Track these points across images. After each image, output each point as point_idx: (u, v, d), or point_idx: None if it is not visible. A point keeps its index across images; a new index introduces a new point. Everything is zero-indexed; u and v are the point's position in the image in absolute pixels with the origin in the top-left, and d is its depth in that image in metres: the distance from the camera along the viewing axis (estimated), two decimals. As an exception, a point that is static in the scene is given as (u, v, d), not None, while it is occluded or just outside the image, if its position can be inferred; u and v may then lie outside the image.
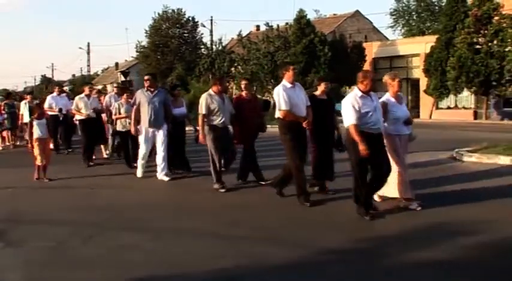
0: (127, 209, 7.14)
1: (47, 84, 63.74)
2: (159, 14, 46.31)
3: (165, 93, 9.65)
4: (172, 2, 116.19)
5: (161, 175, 9.16)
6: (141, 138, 9.31)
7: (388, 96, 6.60)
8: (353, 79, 31.66)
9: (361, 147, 5.91)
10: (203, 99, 8.13)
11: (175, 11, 46.48)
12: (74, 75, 77.37)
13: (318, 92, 7.61)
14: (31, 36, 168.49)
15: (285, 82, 7.10)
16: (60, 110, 13.78)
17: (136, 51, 48.25)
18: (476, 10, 24.68)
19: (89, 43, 60.98)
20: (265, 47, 33.17)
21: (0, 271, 4.83)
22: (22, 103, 15.62)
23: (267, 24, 35.18)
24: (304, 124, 7.01)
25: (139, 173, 9.46)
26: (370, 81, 6.21)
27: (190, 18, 46.59)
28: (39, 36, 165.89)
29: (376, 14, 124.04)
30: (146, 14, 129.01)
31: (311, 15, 37.78)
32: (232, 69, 36.01)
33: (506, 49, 23.90)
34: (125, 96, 10.84)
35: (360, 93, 6.19)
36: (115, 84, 12.09)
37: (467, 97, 28.82)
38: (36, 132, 9.56)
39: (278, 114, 7.09)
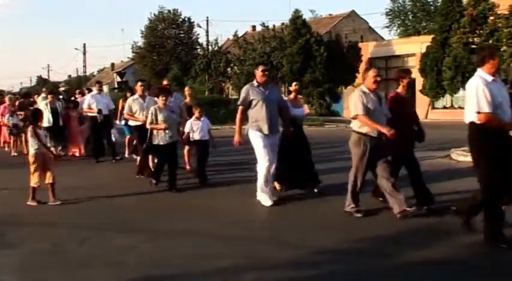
0: (124, 210, 7.13)
1: (43, 85, 63.53)
2: (154, 14, 46.29)
3: (278, 90, 7.95)
4: (168, 2, 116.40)
5: (270, 196, 7.14)
6: (261, 151, 7.05)
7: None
8: (349, 79, 31.56)
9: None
10: (356, 97, 6.32)
11: (171, 11, 46.45)
12: (70, 76, 77.22)
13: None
14: (27, 37, 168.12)
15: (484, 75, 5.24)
16: (100, 111, 11.92)
17: (132, 52, 48.19)
18: (471, 10, 24.75)
19: (84, 44, 60.75)
20: (261, 48, 33.22)
21: (-4, 273, 4.81)
22: (42, 103, 13.34)
23: (262, 24, 35.30)
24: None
25: (267, 200, 7.08)
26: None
27: (186, 19, 46.55)
28: (34, 37, 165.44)
29: (372, 14, 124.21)
30: (142, 14, 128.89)
31: (307, 16, 37.88)
32: (228, 69, 36.02)
33: (502, 49, 23.95)
34: (162, 99, 8.54)
35: None
36: (140, 83, 10.04)
37: (463, 97, 28.82)
38: (34, 146, 7.48)
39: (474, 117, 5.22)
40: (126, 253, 5.21)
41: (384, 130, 6.05)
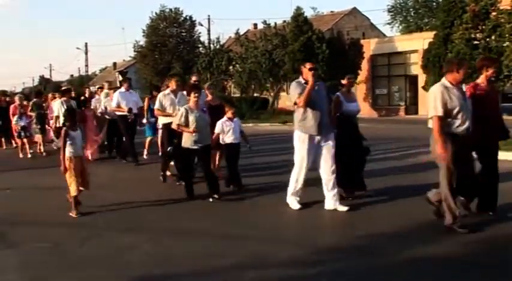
0: (125, 209, 7.12)
1: (45, 85, 63.64)
2: (156, 13, 46.23)
3: (325, 86, 7.05)
4: (169, 1, 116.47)
5: (335, 203, 6.59)
6: (301, 153, 6.59)
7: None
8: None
9: None
10: (438, 92, 5.45)
11: (173, 10, 46.37)
12: (72, 75, 77.33)
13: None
14: (29, 37, 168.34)
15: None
16: (130, 110, 11.18)
17: (134, 51, 48.20)
18: (473, 5, 24.62)
19: (86, 43, 60.92)
20: (263, 45, 33.12)
21: (-3, 273, 4.81)
22: (57, 102, 12.71)
23: (264, 22, 35.15)
24: None
25: (295, 203, 6.75)
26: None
27: (187, 17, 46.48)
28: (36, 37, 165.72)
29: (374, 11, 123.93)
30: (143, 13, 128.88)
31: (308, 13, 37.72)
32: (230, 67, 35.97)
33: (504, 44, 23.83)
34: (194, 97, 7.64)
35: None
36: (175, 78, 9.43)
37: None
38: (69, 149, 6.81)
39: None
40: (128, 253, 5.21)
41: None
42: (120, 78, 29.49)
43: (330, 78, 31.29)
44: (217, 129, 8.16)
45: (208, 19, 44.99)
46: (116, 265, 4.86)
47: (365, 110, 27.74)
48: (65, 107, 11.55)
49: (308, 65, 6.64)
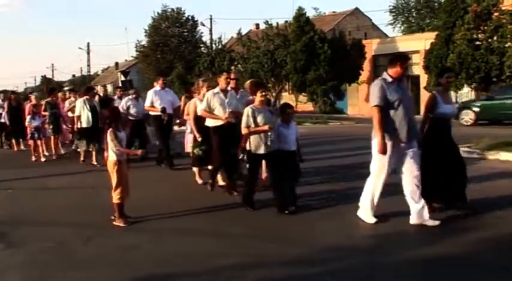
0: (127, 209, 7.11)
1: (47, 84, 63.68)
2: (158, 13, 46.38)
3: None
4: (171, 1, 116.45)
5: (422, 216, 5.83)
6: (383, 161, 5.81)
7: None
8: (353, 76, 31.52)
9: None
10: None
11: (175, 10, 46.53)
12: (74, 75, 77.38)
13: None
14: (31, 37, 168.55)
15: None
16: (164, 110, 10.34)
17: (136, 51, 48.35)
18: (475, 6, 24.61)
19: (88, 43, 60.89)
20: (264, 46, 33.16)
21: (0, 272, 4.83)
22: (79, 101, 11.58)
23: (266, 22, 35.20)
24: None
25: (371, 217, 6.01)
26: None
27: (189, 17, 46.63)
28: (38, 36, 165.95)
29: (376, 11, 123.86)
30: (146, 13, 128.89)
31: (310, 13, 37.81)
32: (232, 67, 35.99)
33: (506, 45, 23.82)
34: (261, 95, 6.82)
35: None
36: (225, 74, 8.07)
37: (467, 93, 28.75)
38: (115, 151, 6.23)
39: None
40: (130, 252, 5.23)
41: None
42: (122, 78, 29.53)
43: (332, 79, 31.42)
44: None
45: (210, 19, 45.04)
46: (118, 265, 4.87)
47: (366, 110, 27.67)
48: (88, 106, 11.17)
49: (400, 60, 5.87)
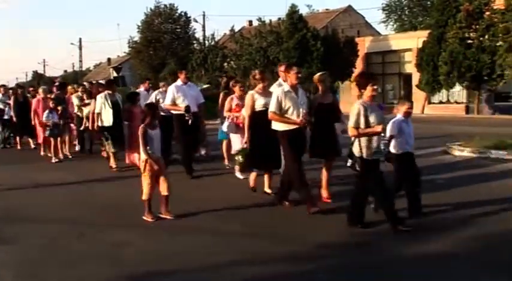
0: (120, 206, 7.12)
1: (39, 80, 63.29)
2: (151, 9, 46.09)
3: None
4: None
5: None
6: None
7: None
8: (345, 74, 31.48)
9: None
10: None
11: (168, 6, 46.25)
12: (65, 71, 76.95)
13: None
14: (22, 32, 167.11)
15: None
16: (188, 109, 8.80)
17: (129, 47, 48.06)
18: (467, 5, 24.73)
19: (80, 39, 60.58)
20: (257, 43, 33.10)
21: (-7, 268, 4.83)
22: (99, 96, 10.26)
23: (259, 19, 35.13)
24: None
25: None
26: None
27: (182, 14, 46.38)
28: (30, 32, 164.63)
29: (369, 9, 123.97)
30: (138, 9, 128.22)
31: (303, 11, 37.76)
32: (225, 64, 35.93)
33: (498, 44, 23.97)
34: (372, 89, 5.65)
35: None
36: (294, 69, 6.73)
37: (459, 92, 28.90)
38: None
39: None
40: (124, 249, 5.23)
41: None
42: (115, 74, 29.42)
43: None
44: (391, 131, 6.15)
45: (203, 15, 44.93)
46: (111, 262, 4.88)
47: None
48: (109, 103, 10.04)
49: None
